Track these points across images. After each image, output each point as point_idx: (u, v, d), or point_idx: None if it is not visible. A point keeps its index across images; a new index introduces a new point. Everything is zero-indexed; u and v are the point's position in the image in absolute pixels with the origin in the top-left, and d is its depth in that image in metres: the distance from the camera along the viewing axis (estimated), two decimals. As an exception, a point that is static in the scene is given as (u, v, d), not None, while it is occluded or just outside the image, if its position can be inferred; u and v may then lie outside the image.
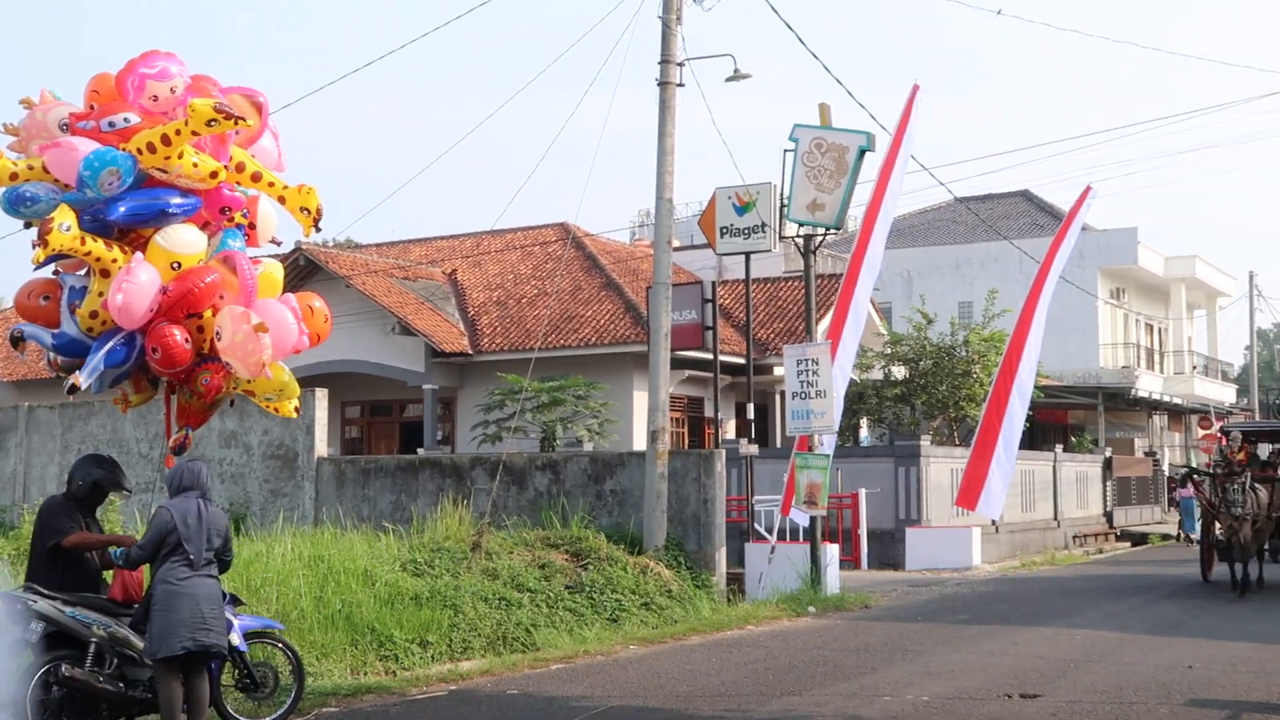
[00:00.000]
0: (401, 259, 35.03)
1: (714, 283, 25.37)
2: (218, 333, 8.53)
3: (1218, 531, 18.84)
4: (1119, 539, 31.70)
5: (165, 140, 8.32)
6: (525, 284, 32.79)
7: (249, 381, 8.78)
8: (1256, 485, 18.38)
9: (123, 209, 8.48)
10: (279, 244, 9.77)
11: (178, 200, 8.64)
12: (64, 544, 8.75)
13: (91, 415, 21.58)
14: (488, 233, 35.88)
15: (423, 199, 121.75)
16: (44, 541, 8.77)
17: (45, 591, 8.47)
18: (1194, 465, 22.59)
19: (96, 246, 8.40)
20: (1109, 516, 32.65)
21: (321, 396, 19.85)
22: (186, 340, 8.51)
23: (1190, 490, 35.62)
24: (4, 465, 22.64)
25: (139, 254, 8.47)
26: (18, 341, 8.80)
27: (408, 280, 32.57)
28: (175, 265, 8.52)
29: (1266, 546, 19.78)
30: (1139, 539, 31.68)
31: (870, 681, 11.28)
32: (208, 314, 8.61)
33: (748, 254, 21.56)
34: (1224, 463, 18.95)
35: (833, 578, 18.30)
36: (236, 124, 8.48)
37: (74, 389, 8.47)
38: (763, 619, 15.70)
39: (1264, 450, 22.54)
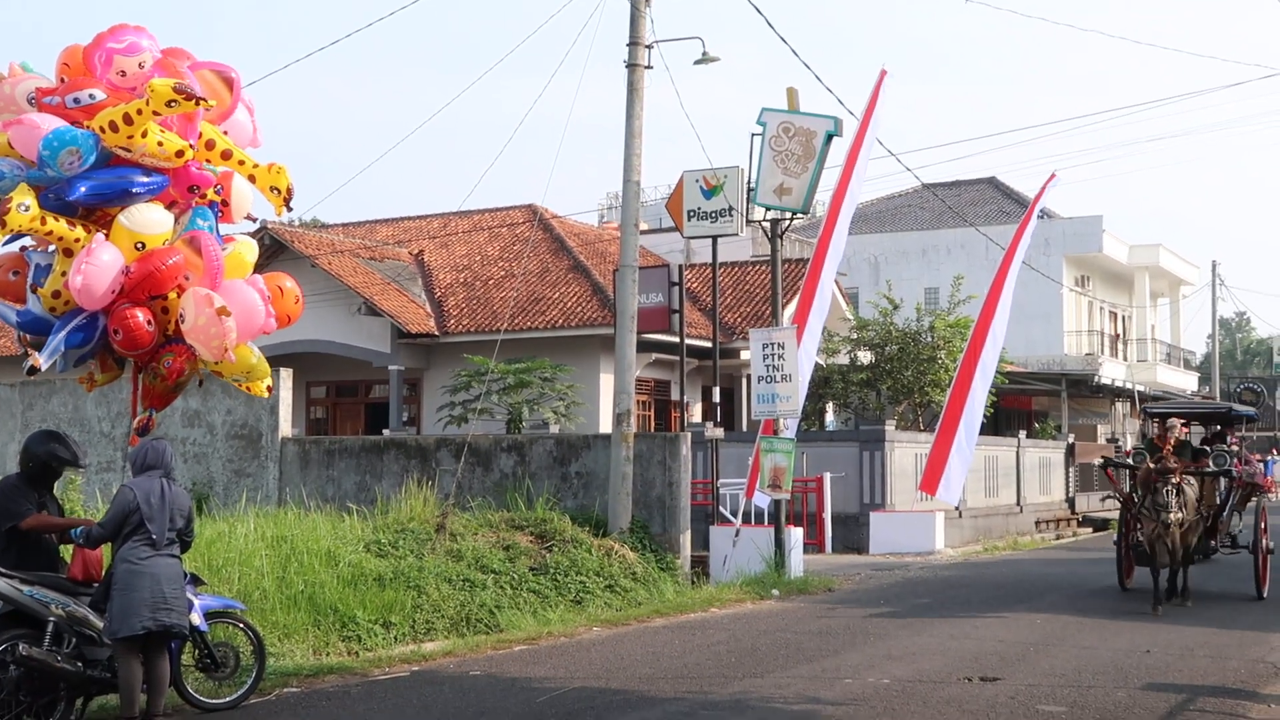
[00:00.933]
0: (368, 239, 34.89)
1: (681, 266, 25.38)
2: (181, 315, 8.44)
3: (1140, 534, 15.73)
4: (1081, 524, 31.96)
5: (127, 119, 8.20)
6: (492, 265, 32.71)
7: (215, 363, 8.70)
8: (1187, 481, 15.44)
9: (83, 189, 8.36)
10: (255, 220, 9.68)
11: (142, 179, 8.52)
12: (22, 526, 8.66)
13: (53, 393, 21.39)
14: (455, 214, 35.79)
15: (389, 179, 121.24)
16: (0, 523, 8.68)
17: (2, 570, 8.39)
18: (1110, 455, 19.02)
19: (58, 226, 8.30)
20: (1071, 502, 32.89)
21: (286, 376, 19.74)
22: (149, 322, 8.42)
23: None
24: (-36, 443, 22.43)
25: (100, 234, 8.36)
26: None
27: (374, 260, 32.43)
28: (139, 246, 8.40)
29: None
30: (1100, 525, 31.93)
31: (832, 664, 11.34)
32: (173, 295, 8.51)
33: (715, 237, 21.58)
34: (1149, 452, 15.78)
35: (797, 561, 18.39)
36: (198, 104, 8.37)
37: (34, 370, 8.39)
38: (727, 602, 15.75)
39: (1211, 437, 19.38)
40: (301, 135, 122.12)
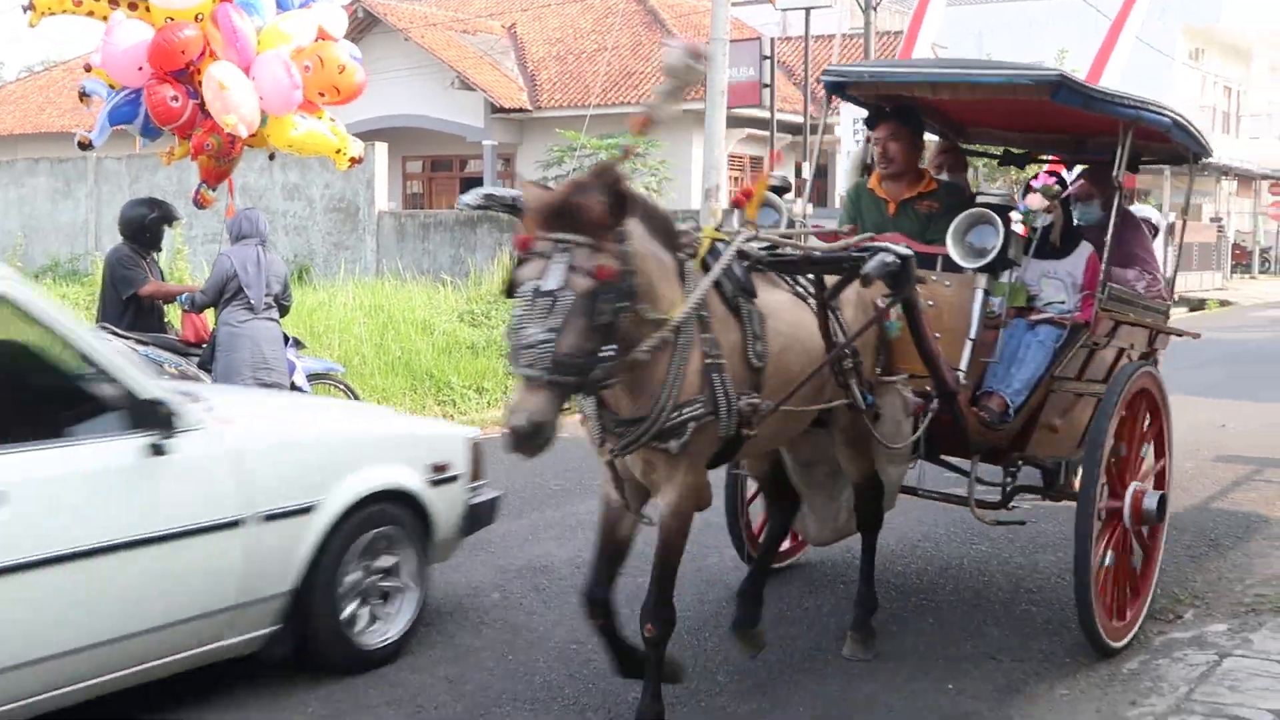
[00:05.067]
0: (461, 11, 34.60)
1: (773, 39, 24.97)
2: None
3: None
4: (1177, 304, 31.64)
5: None
6: (585, 38, 32.36)
7: (267, 138, 8.85)
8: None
9: None
10: None
11: None
12: (140, 294, 9.11)
13: (158, 167, 21.94)
14: (547, -15, 35.24)
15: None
16: (116, 290, 9.09)
17: (119, 331, 8.90)
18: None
19: (98, 6, 8.40)
20: (1170, 283, 32.42)
21: (381, 150, 20.04)
22: (175, 98, 8.46)
23: None
24: (75, 214, 23.21)
25: (119, 11, 8.41)
26: (84, 96, 9.01)
27: (467, 34, 32.25)
28: (169, 20, 8.42)
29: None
30: (1196, 304, 31.67)
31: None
32: (206, 70, 8.52)
33: (808, 9, 21.17)
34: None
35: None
36: None
37: (84, 145, 8.66)
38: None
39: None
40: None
